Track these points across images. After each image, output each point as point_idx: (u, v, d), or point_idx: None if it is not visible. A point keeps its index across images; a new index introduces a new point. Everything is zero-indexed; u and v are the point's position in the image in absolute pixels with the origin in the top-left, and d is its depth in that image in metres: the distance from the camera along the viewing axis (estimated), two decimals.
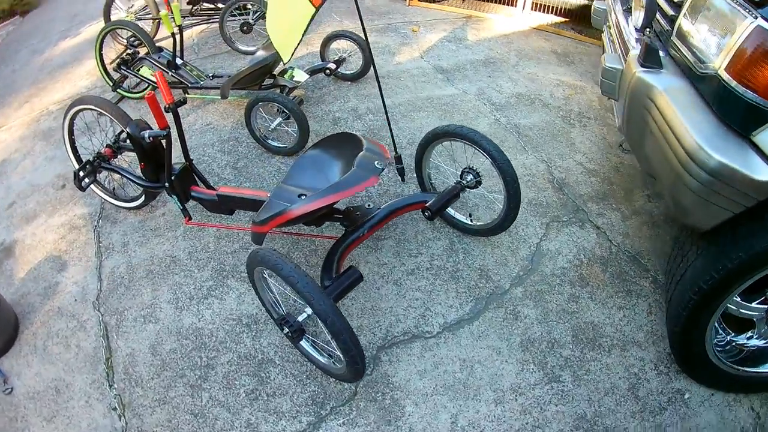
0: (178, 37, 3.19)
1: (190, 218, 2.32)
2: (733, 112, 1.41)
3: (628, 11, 2.18)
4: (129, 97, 3.54)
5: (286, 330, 1.70)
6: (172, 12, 3.17)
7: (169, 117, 2.29)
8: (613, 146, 3.00)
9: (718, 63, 1.44)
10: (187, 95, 3.33)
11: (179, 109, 2.43)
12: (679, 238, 1.86)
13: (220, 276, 2.28)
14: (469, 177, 2.21)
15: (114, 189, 2.72)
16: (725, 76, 1.41)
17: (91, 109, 2.44)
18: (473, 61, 3.79)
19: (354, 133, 2.26)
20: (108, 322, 2.14)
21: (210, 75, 3.32)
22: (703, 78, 1.52)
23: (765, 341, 1.77)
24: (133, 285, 2.28)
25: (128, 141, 2.24)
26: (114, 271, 2.36)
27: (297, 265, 1.60)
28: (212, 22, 4.18)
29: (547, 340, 2.04)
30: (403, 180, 2.58)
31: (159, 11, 3.97)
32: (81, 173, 2.38)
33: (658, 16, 1.89)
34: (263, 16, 3.92)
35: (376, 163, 1.99)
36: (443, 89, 3.47)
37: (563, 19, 4.30)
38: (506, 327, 2.09)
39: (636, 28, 1.92)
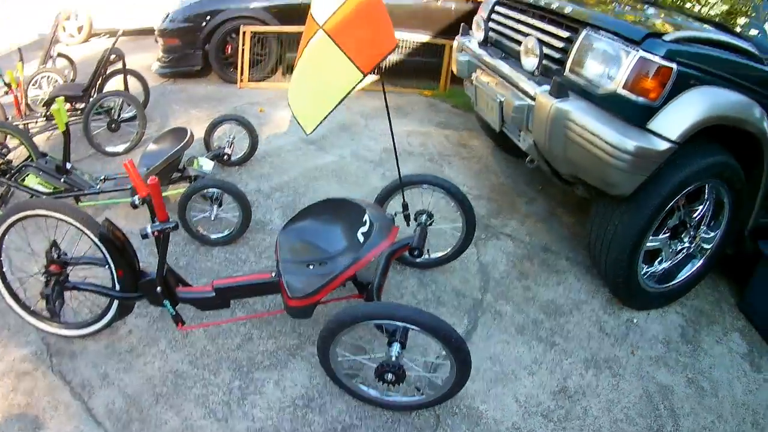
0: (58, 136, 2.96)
1: (184, 322, 2.22)
2: (632, 114, 2.26)
3: (505, 59, 3.03)
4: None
5: (390, 376, 1.89)
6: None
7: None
8: (479, 173, 3.87)
9: (615, 84, 2.28)
10: (80, 203, 3.03)
11: None
12: (596, 214, 2.66)
13: (242, 373, 2.23)
14: (424, 217, 2.67)
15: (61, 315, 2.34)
16: (622, 91, 2.26)
17: (37, 216, 2.10)
18: (331, 130, 4.32)
19: (338, 198, 2.52)
20: None
21: (101, 178, 3.12)
22: (602, 96, 2.35)
23: (669, 262, 2.71)
24: (147, 416, 2.04)
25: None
26: (111, 408, 2.06)
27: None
28: (72, 123, 3.78)
29: (530, 321, 2.63)
30: (408, 225, 2.68)
31: (7, 117, 3.49)
32: (52, 296, 2.08)
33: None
34: (118, 113, 3.74)
35: (386, 215, 2.33)
36: (323, 158, 3.89)
37: (377, 77, 5.20)
38: (499, 323, 2.60)
39: (530, 71, 2.74)
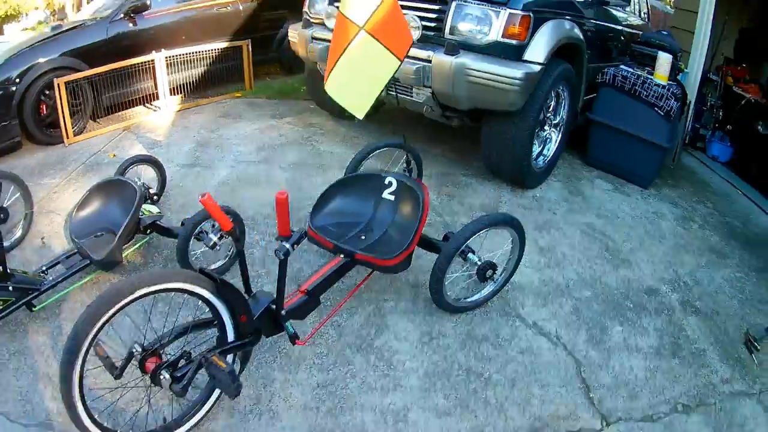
0: None
1: (299, 337, 2.37)
2: (511, 53, 3.35)
3: None
4: None
5: (489, 272, 2.67)
6: None
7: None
8: (346, 140, 4.60)
9: (493, 35, 3.30)
10: (34, 307, 2.64)
11: None
12: (489, 133, 3.72)
13: (366, 349, 2.56)
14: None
15: (165, 419, 2.12)
16: (501, 39, 3.30)
17: (140, 299, 1.86)
18: (194, 150, 4.34)
19: (348, 176, 2.94)
20: None
21: (43, 269, 2.73)
22: (484, 46, 3.35)
23: (540, 146, 3.99)
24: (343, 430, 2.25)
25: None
26: None
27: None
28: None
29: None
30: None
31: None
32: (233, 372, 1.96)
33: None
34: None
35: (405, 172, 2.94)
36: (218, 173, 3.97)
37: (183, 96, 5.35)
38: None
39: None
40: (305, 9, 4.27)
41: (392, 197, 2.81)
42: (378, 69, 2.51)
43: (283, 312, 2.26)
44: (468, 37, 3.39)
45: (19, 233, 3.20)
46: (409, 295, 2.91)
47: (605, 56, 4.52)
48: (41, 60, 4.47)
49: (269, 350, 2.55)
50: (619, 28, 4.83)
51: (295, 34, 4.30)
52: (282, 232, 2.09)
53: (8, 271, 2.56)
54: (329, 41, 3.87)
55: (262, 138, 4.57)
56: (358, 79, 2.54)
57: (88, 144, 4.55)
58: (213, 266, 2.93)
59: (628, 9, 5.34)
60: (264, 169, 4.05)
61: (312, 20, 4.18)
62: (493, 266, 2.69)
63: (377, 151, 3.31)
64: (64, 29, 4.84)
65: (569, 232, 3.58)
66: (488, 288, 2.85)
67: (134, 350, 1.93)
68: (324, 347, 2.59)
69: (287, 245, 2.07)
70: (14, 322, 2.66)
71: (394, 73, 2.55)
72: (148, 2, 5.14)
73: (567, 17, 3.65)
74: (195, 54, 5.29)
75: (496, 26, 3.31)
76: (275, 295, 2.25)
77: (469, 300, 2.83)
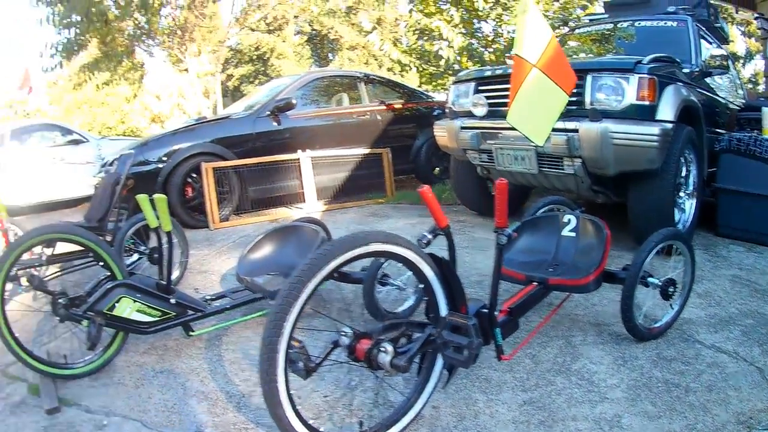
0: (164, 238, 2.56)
1: (503, 352, 2.47)
2: (644, 114, 3.80)
3: None
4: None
5: (671, 288, 2.98)
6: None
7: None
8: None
9: (628, 99, 3.83)
10: (191, 333, 2.74)
11: None
12: (635, 194, 4.06)
13: (566, 371, 2.78)
14: None
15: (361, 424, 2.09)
16: (636, 102, 3.81)
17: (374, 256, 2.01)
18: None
19: (528, 218, 3.33)
20: None
21: (207, 297, 2.90)
22: (621, 110, 3.84)
23: (680, 213, 4.30)
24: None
25: None
26: None
27: None
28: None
29: None
30: None
31: None
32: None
33: None
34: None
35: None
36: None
37: (326, 200, 5.90)
38: None
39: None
40: (449, 105, 4.94)
41: (573, 234, 3.10)
42: (550, 102, 2.94)
43: (496, 314, 2.33)
44: (606, 104, 3.88)
45: (174, 275, 3.30)
46: (593, 332, 3.16)
47: (717, 125, 5.00)
48: (187, 144, 4.89)
49: (466, 377, 2.77)
50: (724, 98, 5.38)
51: (443, 127, 4.89)
52: (500, 223, 2.14)
53: (172, 286, 2.71)
54: (478, 128, 4.52)
55: (414, 230, 5.01)
56: (534, 110, 2.91)
57: (235, 230, 4.97)
58: (400, 309, 3.25)
59: (726, 80, 5.87)
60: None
61: (458, 113, 4.81)
62: (673, 282, 2.96)
63: (555, 205, 3.61)
64: (208, 120, 5.29)
65: (719, 282, 3.83)
66: (672, 310, 3.12)
67: (342, 334, 1.93)
68: (523, 372, 2.81)
69: (509, 230, 2.14)
70: (162, 348, 2.88)
71: (564, 106, 3.02)
72: (294, 101, 5.57)
73: (678, 81, 4.15)
74: (338, 158, 5.72)
75: (629, 91, 3.79)
76: (485, 302, 2.41)
77: (656, 325, 3.07)
